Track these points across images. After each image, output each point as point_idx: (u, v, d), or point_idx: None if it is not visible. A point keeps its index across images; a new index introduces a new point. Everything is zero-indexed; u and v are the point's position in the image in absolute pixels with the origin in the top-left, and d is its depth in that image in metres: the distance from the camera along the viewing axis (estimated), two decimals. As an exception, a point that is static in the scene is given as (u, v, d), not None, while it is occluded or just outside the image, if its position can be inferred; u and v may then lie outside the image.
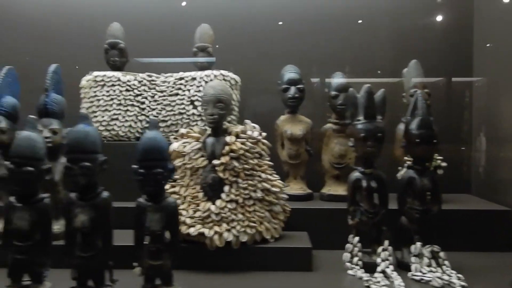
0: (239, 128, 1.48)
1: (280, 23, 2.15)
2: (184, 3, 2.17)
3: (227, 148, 1.41)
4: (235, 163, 1.40)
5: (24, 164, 1.10)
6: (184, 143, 1.48)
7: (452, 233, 1.56)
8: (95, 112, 1.77)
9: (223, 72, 1.79)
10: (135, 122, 1.79)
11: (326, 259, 1.49)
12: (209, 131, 1.48)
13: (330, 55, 2.11)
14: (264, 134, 1.50)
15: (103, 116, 1.76)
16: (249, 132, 1.46)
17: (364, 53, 2.12)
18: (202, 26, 1.86)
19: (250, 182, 1.42)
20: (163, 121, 1.79)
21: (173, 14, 2.16)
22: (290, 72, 1.79)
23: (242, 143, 1.43)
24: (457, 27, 2.11)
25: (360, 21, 2.15)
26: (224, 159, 1.40)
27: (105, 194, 1.14)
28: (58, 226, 1.48)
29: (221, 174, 1.40)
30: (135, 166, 1.12)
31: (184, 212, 1.40)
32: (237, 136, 1.45)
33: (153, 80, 1.82)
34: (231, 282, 1.32)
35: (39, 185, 1.16)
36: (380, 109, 1.41)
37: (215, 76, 1.78)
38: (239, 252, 1.38)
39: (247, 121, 1.51)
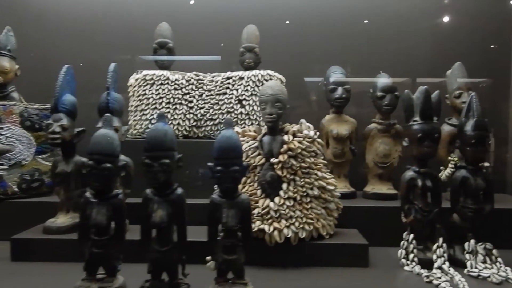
0: (295, 127, 1.51)
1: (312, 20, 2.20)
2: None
3: (285, 146, 1.45)
4: (293, 161, 1.44)
5: (103, 161, 1.14)
6: (241, 141, 1.51)
7: (495, 232, 1.60)
8: (145, 110, 1.81)
9: (269, 72, 1.83)
10: (183, 120, 1.82)
11: (377, 255, 1.52)
12: (265, 129, 1.52)
13: (368, 56, 2.15)
14: (318, 133, 1.53)
15: (152, 114, 1.79)
16: (305, 131, 1.50)
17: (402, 54, 2.16)
18: (248, 27, 1.90)
19: (307, 180, 1.45)
20: (211, 119, 1.83)
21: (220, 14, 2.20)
22: (336, 73, 1.82)
23: (299, 142, 1.46)
24: (496, 28, 2.15)
25: (394, 23, 2.19)
26: (282, 157, 1.43)
27: (180, 190, 1.18)
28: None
29: (279, 172, 1.44)
30: (211, 164, 1.15)
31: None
32: (294, 135, 1.48)
33: (200, 79, 1.85)
34: (290, 277, 1.35)
35: (115, 181, 1.20)
36: (436, 110, 1.45)
37: (262, 76, 1.82)
38: (297, 248, 1.42)
39: (303, 120, 1.54)
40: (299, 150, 1.45)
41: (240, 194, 1.18)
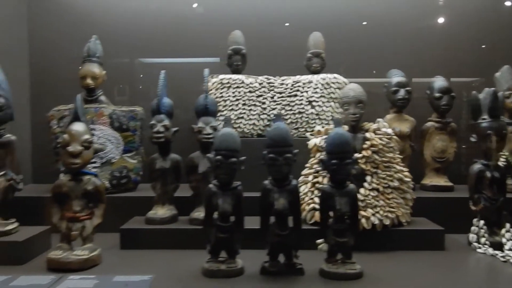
0: (374, 125, 1.68)
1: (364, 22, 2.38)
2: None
3: (368, 143, 1.61)
4: (376, 156, 1.60)
5: (230, 156, 1.30)
6: (324, 138, 1.67)
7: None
8: (222, 111, 1.96)
9: (335, 75, 2.00)
10: (258, 120, 1.98)
11: (447, 240, 1.68)
12: (346, 128, 1.68)
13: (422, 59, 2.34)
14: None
15: (229, 115, 1.95)
16: (383, 129, 1.66)
17: (450, 55, 2.35)
18: (314, 34, 2.07)
19: (387, 172, 1.62)
20: (284, 119, 1.99)
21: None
22: (398, 76, 2.00)
23: (380, 139, 1.63)
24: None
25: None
26: (366, 153, 1.60)
27: (295, 181, 1.34)
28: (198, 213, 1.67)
29: (363, 166, 1.60)
30: (325, 158, 1.31)
31: (329, 200, 1.60)
32: (374, 133, 1.65)
33: (271, 82, 2.01)
34: (377, 259, 1.50)
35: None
36: (500, 109, 1.63)
37: (330, 79, 1.99)
38: (381, 234, 1.58)
39: (380, 119, 1.71)
40: (380, 146, 1.61)
41: (349, 184, 1.35)
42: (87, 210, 1.43)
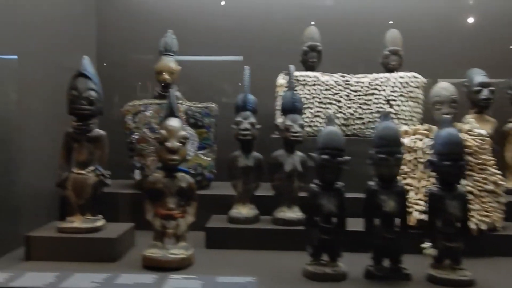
0: (466, 126, 1.62)
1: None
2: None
3: (462, 144, 1.56)
4: (470, 158, 1.54)
5: (337, 155, 1.26)
6: (415, 139, 1.62)
7: None
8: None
9: (414, 73, 1.94)
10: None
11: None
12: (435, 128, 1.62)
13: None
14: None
15: (305, 113, 1.90)
16: (476, 130, 1.60)
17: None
18: (392, 31, 2.01)
19: (482, 175, 1.56)
20: (359, 118, 1.94)
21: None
22: (481, 75, 1.93)
23: (474, 140, 1.57)
24: None
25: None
26: (460, 154, 1.54)
27: (401, 183, 1.29)
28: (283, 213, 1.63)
29: (457, 168, 1.54)
30: (434, 160, 1.26)
31: (421, 202, 1.55)
32: (468, 134, 1.59)
33: (346, 80, 1.96)
34: (480, 266, 1.40)
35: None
36: None
37: (409, 77, 1.93)
38: (478, 239, 1.51)
39: (471, 120, 1.65)
40: (475, 148, 1.55)
41: (458, 187, 1.30)
42: (180, 207, 1.40)
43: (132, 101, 1.90)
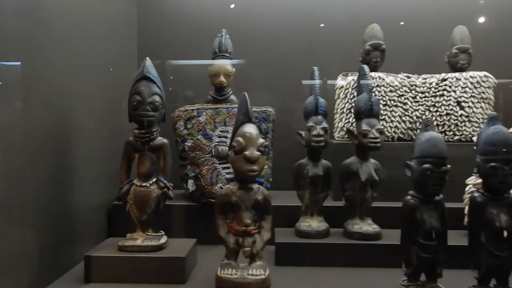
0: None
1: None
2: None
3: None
4: None
5: (442, 164, 1.12)
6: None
7: None
8: (358, 112, 1.80)
9: (485, 73, 1.80)
10: (399, 123, 1.79)
11: None
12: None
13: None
14: None
15: (368, 117, 1.77)
16: None
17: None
18: (460, 27, 1.87)
19: None
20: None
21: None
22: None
23: None
24: None
25: None
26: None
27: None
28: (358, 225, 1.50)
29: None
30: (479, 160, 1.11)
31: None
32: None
33: (412, 81, 1.82)
34: None
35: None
36: None
37: (480, 77, 1.79)
38: None
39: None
40: None
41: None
42: (255, 223, 1.27)
43: (183, 106, 1.77)
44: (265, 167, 1.76)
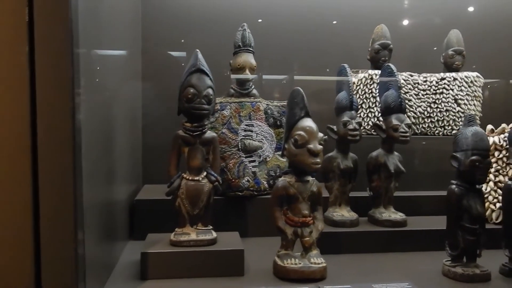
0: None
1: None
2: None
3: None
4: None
5: (487, 156, 1.26)
6: (504, 137, 1.67)
7: None
8: (371, 107, 1.90)
9: (477, 74, 2.01)
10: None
11: None
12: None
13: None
14: None
15: (379, 112, 1.89)
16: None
17: None
18: (455, 31, 2.05)
19: None
20: (429, 117, 1.96)
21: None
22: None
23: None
24: None
25: None
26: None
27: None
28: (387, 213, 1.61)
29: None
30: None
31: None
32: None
33: (414, 79, 1.97)
34: None
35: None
36: None
37: (473, 77, 1.99)
38: None
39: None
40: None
41: None
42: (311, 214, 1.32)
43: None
44: (285, 160, 1.83)
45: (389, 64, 1.63)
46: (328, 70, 2.15)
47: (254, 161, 1.71)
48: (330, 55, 2.16)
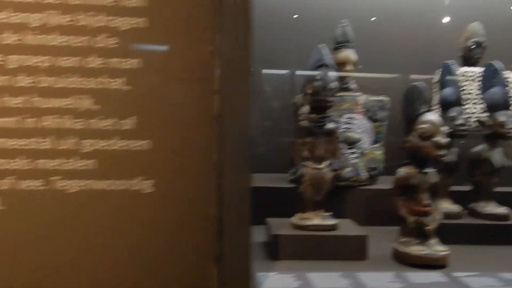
0: None
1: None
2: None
3: None
4: None
5: None
6: None
7: None
8: (467, 103, 1.94)
9: None
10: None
11: None
12: None
13: None
14: None
15: (475, 108, 1.92)
16: None
17: None
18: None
19: None
20: None
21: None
22: None
23: None
24: None
25: None
26: None
27: None
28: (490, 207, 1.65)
29: None
30: None
31: None
32: None
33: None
34: None
35: None
36: None
37: None
38: None
39: None
40: None
41: None
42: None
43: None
44: (380, 152, 1.89)
45: (495, 61, 1.66)
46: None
47: (354, 153, 1.78)
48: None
